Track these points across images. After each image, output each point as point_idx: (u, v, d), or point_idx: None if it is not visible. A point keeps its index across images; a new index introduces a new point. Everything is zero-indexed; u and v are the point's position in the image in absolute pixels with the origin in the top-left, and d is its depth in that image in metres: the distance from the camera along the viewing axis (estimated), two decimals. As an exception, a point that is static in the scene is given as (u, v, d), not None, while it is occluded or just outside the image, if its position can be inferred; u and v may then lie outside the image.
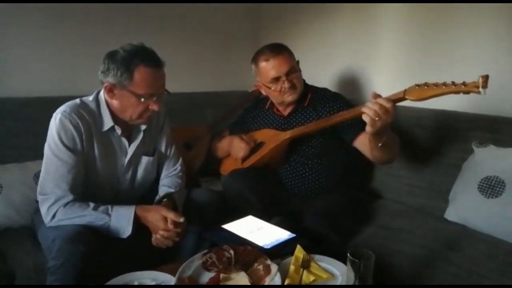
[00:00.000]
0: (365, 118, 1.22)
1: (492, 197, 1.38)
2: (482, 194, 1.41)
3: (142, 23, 2.23)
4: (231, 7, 2.61)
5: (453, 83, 1.11)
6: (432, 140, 1.71)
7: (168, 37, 2.34)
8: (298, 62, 1.70)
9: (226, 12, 2.60)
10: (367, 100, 2.10)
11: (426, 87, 1.16)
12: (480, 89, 1.04)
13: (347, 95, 2.11)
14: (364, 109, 1.22)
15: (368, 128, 1.24)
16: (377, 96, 1.23)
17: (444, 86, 1.12)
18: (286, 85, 1.60)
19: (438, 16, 1.79)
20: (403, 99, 1.21)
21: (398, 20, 1.96)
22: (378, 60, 2.09)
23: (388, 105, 1.19)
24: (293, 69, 1.60)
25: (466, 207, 1.46)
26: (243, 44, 2.70)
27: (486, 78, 1.03)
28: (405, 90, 1.21)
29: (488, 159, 1.46)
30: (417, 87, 1.19)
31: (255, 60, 1.65)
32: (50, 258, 1.16)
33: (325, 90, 1.76)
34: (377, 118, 1.19)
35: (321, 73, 2.32)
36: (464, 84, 1.08)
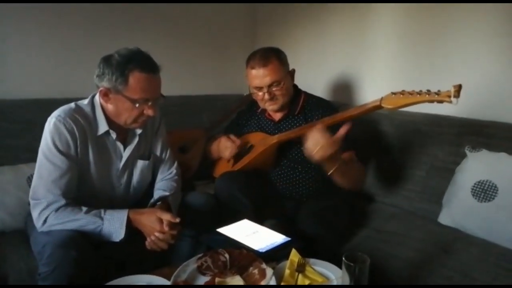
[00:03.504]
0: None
1: (485, 201, 1.40)
2: (475, 198, 1.42)
3: (139, 26, 2.24)
4: (227, 11, 2.62)
5: (427, 91, 1.13)
6: (426, 144, 1.72)
7: (164, 41, 2.34)
8: (292, 71, 1.69)
9: (222, 17, 2.61)
10: (360, 104, 2.13)
11: (401, 95, 1.19)
12: (452, 99, 1.06)
13: (340, 99, 2.13)
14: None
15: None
16: (342, 132, 1.31)
17: (418, 95, 1.15)
18: (266, 96, 1.61)
19: (432, 20, 1.81)
20: (379, 107, 1.23)
21: (393, 23, 1.98)
22: (373, 63, 2.10)
23: (322, 140, 1.29)
24: (278, 82, 1.59)
25: (459, 211, 1.48)
26: (238, 48, 2.70)
27: (458, 87, 1.05)
28: (381, 98, 1.23)
29: (481, 164, 1.48)
30: (393, 95, 1.21)
31: (247, 62, 1.65)
32: (41, 264, 1.15)
33: (319, 99, 1.75)
34: (315, 149, 1.29)
35: (315, 76, 2.33)
36: (437, 93, 1.10)
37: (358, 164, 1.55)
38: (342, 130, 1.30)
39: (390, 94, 1.22)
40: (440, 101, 1.10)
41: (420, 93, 1.14)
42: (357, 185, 1.58)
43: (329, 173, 1.38)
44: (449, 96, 1.06)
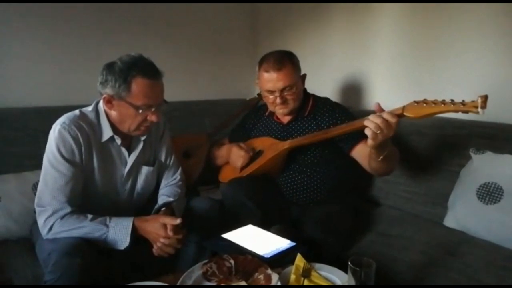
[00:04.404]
0: (367, 131, 1.21)
1: (490, 203, 1.39)
2: (481, 201, 1.41)
3: (140, 33, 2.25)
4: (228, 15, 2.63)
5: (452, 101, 1.12)
6: (430, 147, 1.72)
7: (165, 46, 2.35)
8: (304, 75, 1.69)
9: (223, 21, 2.62)
10: (364, 106, 2.13)
11: (425, 105, 1.17)
12: (479, 109, 1.04)
13: (344, 101, 2.12)
14: (366, 122, 1.21)
15: (369, 141, 1.22)
16: (380, 109, 1.23)
17: (443, 105, 1.13)
18: (278, 100, 1.61)
19: (435, 21, 1.81)
20: (401, 115, 1.21)
21: (395, 25, 1.98)
22: (374, 65, 2.10)
23: (393, 120, 1.18)
24: (290, 87, 1.59)
25: (464, 213, 1.47)
26: (240, 53, 2.72)
27: (485, 98, 1.04)
28: (404, 107, 1.21)
29: (486, 166, 1.47)
30: (415, 104, 1.19)
31: (259, 64, 1.65)
32: (47, 271, 1.15)
33: (326, 99, 1.76)
34: (378, 132, 1.18)
35: (317, 78, 2.33)
36: (463, 103, 1.09)
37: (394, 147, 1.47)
38: (378, 107, 1.24)
39: (412, 102, 1.20)
40: (466, 112, 1.08)
41: (444, 102, 1.13)
42: (393, 168, 1.51)
43: (380, 158, 1.31)
44: (476, 107, 1.05)
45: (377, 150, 1.28)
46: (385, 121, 1.18)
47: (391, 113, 1.20)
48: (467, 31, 1.70)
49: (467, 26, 1.70)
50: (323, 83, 2.32)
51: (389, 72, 2.04)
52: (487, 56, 1.65)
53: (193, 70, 2.53)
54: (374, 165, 1.42)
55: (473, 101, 1.07)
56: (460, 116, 1.66)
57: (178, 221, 1.27)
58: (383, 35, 2.03)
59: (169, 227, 1.27)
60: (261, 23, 2.76)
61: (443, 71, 1.80)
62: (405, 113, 1.20)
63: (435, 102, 1.15)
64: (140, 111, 1.31)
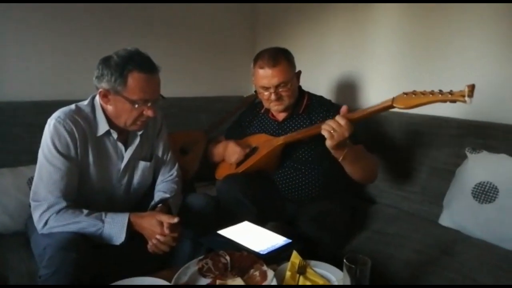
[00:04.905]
0: (323, 132, 1.33)
1: (485, 203, 1.40)
2: (476, 200, 1.42)
3: (138, 28, 2.24)
4: (227, 13, 2.63)
5: (440, 91, 1.13)
6: (426, 145, 1.73)
7: (163, 42, 2.34)
8: (299, 72, 1.70)
9: (222, 18, 2.61)
10: (363, 105, 2.13)
11: (413, 95, 1.18)
12: (466, 98, 1.05)
13: (342, 100, 2.13)
14: (322, 125, 1.33)
15: (326, 142, 1.33)
16: (345, 111, 1.35)
17: (431, 95, 1.14)
18: (273, 97, 1.61)
19: (433, 21, 1.81)
20: (391, 107, 1.23)
21: (394, 24, 1.97)
22: (373, 64, 2.10)
23: (341, 121, 1.30)
24: (285, 83, 1.59)
25: (460, 212, 1.48)
26: (238, 50, 2.71)
27: (472, 87, 1.05)
28: (393, 98, 1.23)
29: (481, 165, 1.48)
30: (405, 95, 1.21)
31: (254, 60, 1.65)
32: (42, 266, 1.14)
33: (321, 98, 1.77)
34: (332, 131, 1.31)
35: (315, 77, 2.33)
36: (450, 93, 1.10)
37: (369, 154, 1.54)
38: (344, 109, 1.36)
39: (402, 94, 1.22)
40: (454, 101, 1.09)
41: (432, 93, 1.14)
42: (370, 175, 1.57)
43: (340, 159, 1.40)
44: (463, 96, 1.06)
45: (335, 150, 1.37)
46: (337, 122, 1.31)
47: (342, 116, 1.33)
48: (467, 31, 1.70)
49: (467, 26, 1.70)
50: (322, 82, 2.32)
51: (389, 72, 2.03)
52: (487, 56, 1.65)
53: (193, 69, 2.51)
54: (346, 168, 1.49)
55: (460, 91, 1.08)
56: (457, 115, 1.69)
57: (175, 219, 1.26)
58: (383, 34, 2.03)
59: (165, 224, 1.26)
60: (261, 23, 2.75)
61: (443, 71, 1.80)
62: (394, 104, 1.21)
63: (423, 93, 1.16)
64: (136, 105, 1.30)
